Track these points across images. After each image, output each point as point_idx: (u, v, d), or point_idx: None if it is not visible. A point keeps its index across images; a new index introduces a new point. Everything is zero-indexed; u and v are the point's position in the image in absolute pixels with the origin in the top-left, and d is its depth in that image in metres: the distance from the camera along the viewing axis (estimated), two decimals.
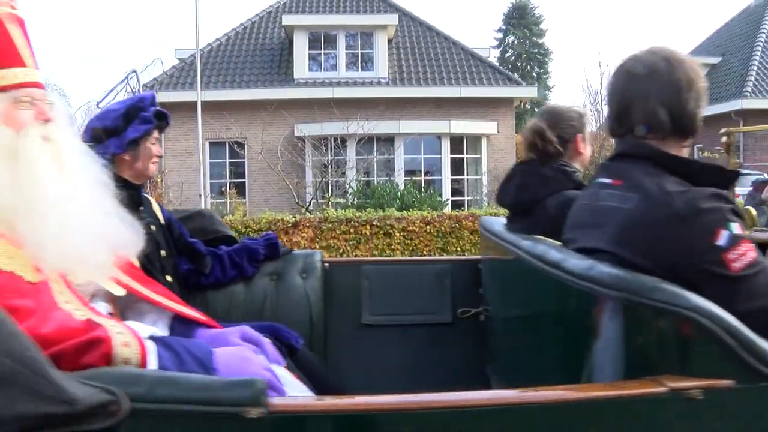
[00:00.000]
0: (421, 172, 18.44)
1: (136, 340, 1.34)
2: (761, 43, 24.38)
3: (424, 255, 9.60)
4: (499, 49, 44.63)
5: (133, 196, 2.19)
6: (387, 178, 16.68)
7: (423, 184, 17.23)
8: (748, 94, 22.25)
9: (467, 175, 18.83)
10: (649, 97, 1.67)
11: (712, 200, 1.54)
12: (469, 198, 18.89)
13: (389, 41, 19.90)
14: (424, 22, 21.55)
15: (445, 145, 18.45)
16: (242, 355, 1.49)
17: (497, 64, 26.95)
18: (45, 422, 0.97)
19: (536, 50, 44.65)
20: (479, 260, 2.94)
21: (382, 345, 2.80)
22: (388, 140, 17.88)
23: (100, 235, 1.46)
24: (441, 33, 21.15)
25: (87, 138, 2.13)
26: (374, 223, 10.18)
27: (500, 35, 45.28)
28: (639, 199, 1.60)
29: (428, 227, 10.69)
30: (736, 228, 1.50)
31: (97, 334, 1.27)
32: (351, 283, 2.87)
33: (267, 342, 1.72)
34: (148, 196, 2.50)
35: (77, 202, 1.43)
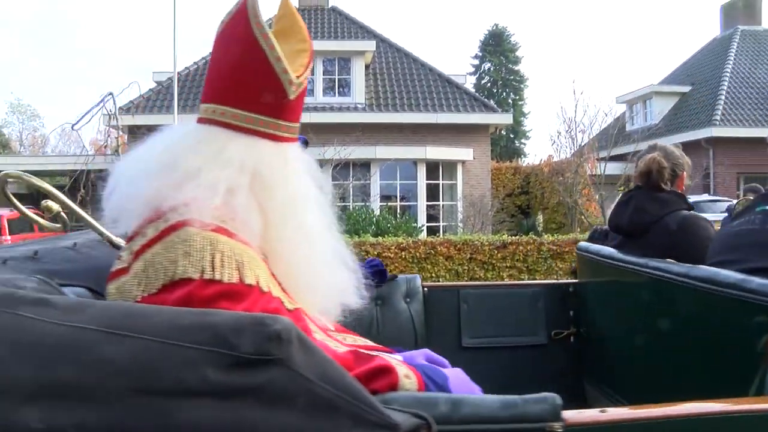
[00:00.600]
0: (396, 197, 18.59)
1: (411, 371, 1.35)
2: (728, 74, 24.96)
3: None
4: (476, 76, 45.14)
5: None
6: (363, 204, 16.76)
7: (398, 210, 17.36)
8: (717, 122, 22.70)
9: (442, 200, 18.99)
10: None
11: None
12: (444, 224, 19.01)
13: (366, 67, 20.10)
14: (401, 48, 21.81)
15: (421, 170, 18.61)
16: (461, 377, 1.50)
17: (473, 90, 27.26)
18: None
19: (512, 77, 45.21)
20: (570, 284, 3.11)
21: (481, 366, 2.85)
22: (364, 166, 17.98)
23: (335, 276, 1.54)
24: (418, 59, 21.39)
25: None
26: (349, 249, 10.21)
27: (477, 62, 45.84)
28: None
29: (403, 253, 10.76)
30: None
31: (385, 363, 1.29)
32: (450, 307, 2.96)
33: (446, 362, 1.67)
34: None
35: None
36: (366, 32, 21.78)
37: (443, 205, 18.89)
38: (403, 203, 18.42)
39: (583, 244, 3.16)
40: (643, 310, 2.45)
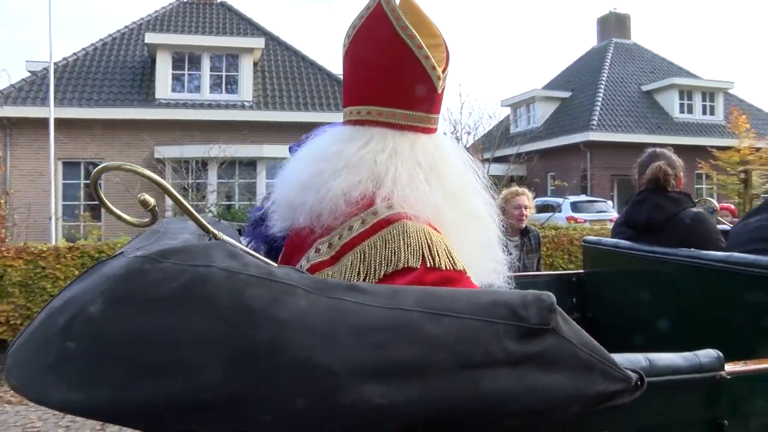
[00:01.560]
0: None
1: None
2: (604, 82, 26.31)
3: None
4: None
5: None
6: (249, 203, 16.53)
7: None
8: (594, 127, 23.87)
9: None
10: None
11: None
12: None
13: (255, 64, 19.84)
14: (291, 46, 21.63)
15: None
16: None
17: None
18: (608, 399, 1.12)
19: None
20: (575, 274, 3.48)
21: None
22: (251, 164, 17.76)
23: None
24: (307, 58, 21.28)
25: None
26: None
27: None
28: None
29: None
30: None
31: None
32: None
33: None
34: None
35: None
36: (255, 29, 21.49)
37: None
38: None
39: (589, 238, 3.52)
40: (666, 294, 2.79)
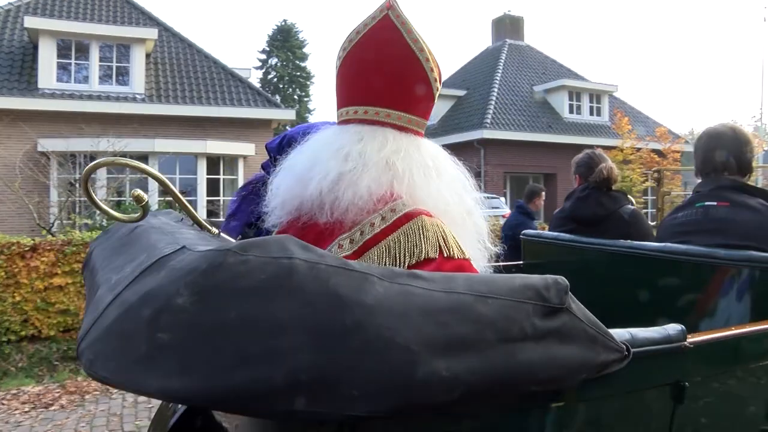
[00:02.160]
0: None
1: None
2: (497, 81, 27.01)
3: None
4: (262, 71, 44.84)
5: None
6: None
7: (178, 205, 16.75)
8: (488, 125, 24.46)
9: (223, 196, 18.57)
10: (730, 152, 2.74)
11: None
12: (223, 219, 18.52)
13: (147, 56, 19.15)
14: (185, 38, 21.02)
15: (202, 165, 18.04)
16: None
17: (259, 85, 27.03)
18: (607, 367, 1.31)
19: (299, 73, 45.46)
20: (515, 265, 3.58)
21: None
22: (142, 158, 17.14)
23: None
24: (202, 51, 20.76)
25: None
26: None
27: (264, 56, 45.55)
28: (754, 214, 2.54)
29: None
30: None
31: None
32: None
33: None
34: None
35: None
36: (148, 19, 20.73)
37: (224, 200, 18.47)
38: (182, 198, 17.76)
39: (528, 231, 3.76)
40: (605, 281, 2.99)
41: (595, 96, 28.31)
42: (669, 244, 2.70)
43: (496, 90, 26.51)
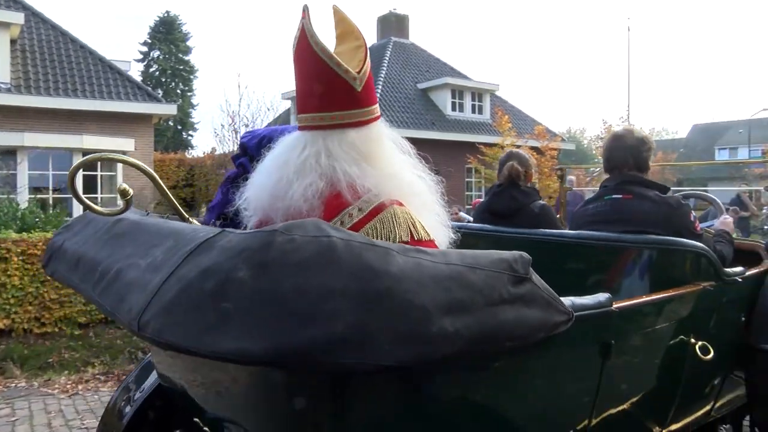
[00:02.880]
0: (49, 189, 16.98)
1: None
2: (382, 78, 27.24)
3: (49, 279, 8.85)
4: (144, 63, 43.31)
5: None
6: (7, 196, 15.08)
7: (51, 203, 15.94)
8: None
9: (101, 193, 17.79)
10: (629, 152, 3.20)
11: (682, 200, 3.11)
12: None
13: (13, 42, 17.86)
14: (57, 25, 19.76)
15: (77, 161, 17.09)
16: None
17: (141, 78, 26.06)
18: (558, 327, 1.61)
19: (182, 67, 44.18)
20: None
21: None
22: (10, 153, 16.17)
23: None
24: (77, 40, 19.63)
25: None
26: None
27: (146, 49, 44.00)
28: (651, 204, 3.02)
29: None
30: (693, 213, 3.07)
31: None
32: None
33: None
34: None
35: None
36: (13, 2, 19.33)
37: (102, 197, 17.68)
38: (56, 195, 16.86)
39: (453, 223, 3.92)
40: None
41: (478, 94, 29.06)
42: (583, 232, 3.11)
43: (380, 87, 26.72)
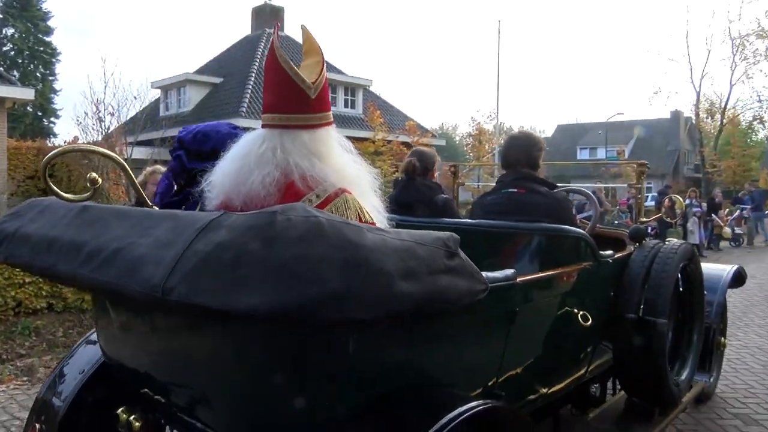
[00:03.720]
0: None
1: None
2: (255, 70, 26.84)
3: None
4: None
5: None
6: None
7: None
8: (244, 114, 24.23)
9: None
10: (522, 151, 3.66)
11: (566, 195, 3.69)
12: None
13: None
14: None
15: None
16: None
17: None
18: (477, 295, 1.98)
19: (42, 48, 41.30)
20: None
21: None
22: None
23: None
24: None
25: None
26: None
27: None
28: (542, 198, 3.47)
29: None
30: (595, 204, 4.29)
31: None
32: None
33: None
34: None
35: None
36: None
37: None
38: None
39: None
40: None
41: (351, 89, 29.23)
42: (483, 221, 3.57)
43: (253, 78, 26.32)
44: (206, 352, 2.01)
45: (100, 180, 2.17)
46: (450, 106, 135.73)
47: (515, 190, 3.57)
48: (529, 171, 3.62)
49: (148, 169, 5.63)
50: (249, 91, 25.48)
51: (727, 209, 22.67)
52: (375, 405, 2.02)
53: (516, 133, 4.12)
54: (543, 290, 2.98)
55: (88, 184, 2.20)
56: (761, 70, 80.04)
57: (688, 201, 16.39)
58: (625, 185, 21.39)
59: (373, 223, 2.08)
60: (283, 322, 1.59)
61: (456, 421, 1.95)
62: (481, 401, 2.12)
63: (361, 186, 2.23)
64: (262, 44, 28.95)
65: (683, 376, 4.07)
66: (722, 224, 19.73)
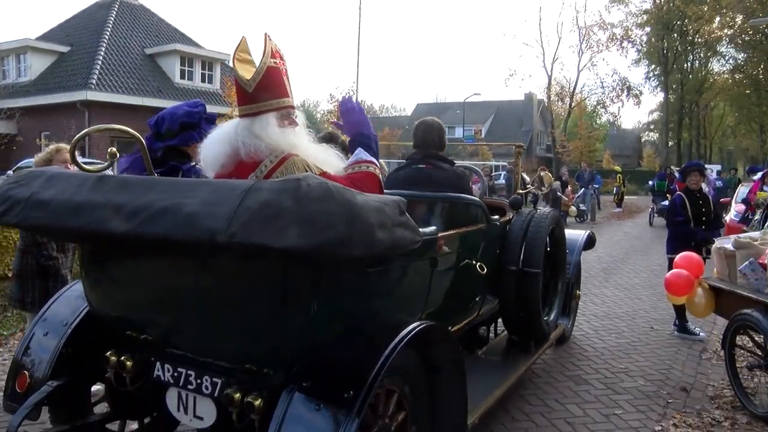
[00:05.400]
0: None
1: (373, 163, 3.11)
2: (106, 40, 25.41)
3: None
4: None
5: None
6: None
7: None
8: (93, 86, 22.92)
9: None
10: (433, 135, 4.44)
11: (464, 170, 4.89)
12: None
13: None
14: None
15: None
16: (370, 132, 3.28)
17: None
18: (416, 244, 2.55)
19: None
20: None
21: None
22: None
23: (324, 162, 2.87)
24: None
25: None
26: None
27: None
28: (445, 172, 4.24)
29: None
30: (483, 178, 6.29)
31: (372, 172, 3.01)
32: None
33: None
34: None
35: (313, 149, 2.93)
36: None
37: None
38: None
39: None
40: None
41: (208, 63, 28.37)
42: (399, 191, 3.90)
43: (103, 49, 24.89)
44: (222, 288, 2.59)
45: (117, 154, 2.83)
46: (311, 82, 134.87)
47: (423, 165, 4.36)
48: (435, 151, 4.44)
49: (52, 147, 5.26)
50: (99, 63, 24.08)
51: (573, 188, 23.94)
52: (349, 327, 2.73)
53: (428, 119, 4.64)
54: (454, 243, 3.86)
55: (107, 157, 2.80)
56: (604, 59, 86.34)
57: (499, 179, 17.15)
58: (482, 164, 22.70)
59: (324, 173, 2.65)
60: (308, 256, 2.22)
61: (410, 335, 2.69)
62: (423, 321, 2.95)
63: (301, 148, 2.83)
64: (114, 13, 27.43)
65: (551, 317, 5.28)
66: (568, 203, 20.59)
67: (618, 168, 34.04)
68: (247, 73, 2.75)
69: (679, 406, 5.04)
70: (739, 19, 35.47)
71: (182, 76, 27.09)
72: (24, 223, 2.69)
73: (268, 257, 2.31)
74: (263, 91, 2.76)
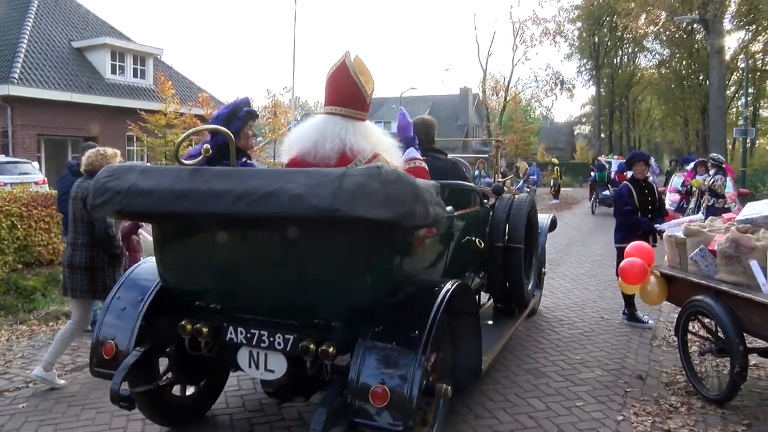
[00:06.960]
0: None
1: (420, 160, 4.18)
2: (28, 32, 24.34)
3: None
4: None
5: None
6: None
7: None
8: (16, 81, 21.92)
9: None
10: (425, 131, 5.24)
11: (458, 160, 5.76)
12: None
13: None
14: None
15: None
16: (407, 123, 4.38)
17: None
18: (444, 219, 3.67)
19: None
20: None
21: None
22: None
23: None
24: None
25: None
26: None
27: None
28: (442, 162, 5.19)
29: None
30: (469, 168, 6.74)
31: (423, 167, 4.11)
32: None
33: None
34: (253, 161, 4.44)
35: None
36: None
37: None
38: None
39: None
40: None
41: (140, 58, 27.49)
42: None
43: (25, 42, 23.82)
44: (300, 256, 3.24)
45: (210, 150, 3.36)
46: (245, 78, 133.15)
47: (425, 158, 4.72)
48: (430, 145, 5.23)
49: (95, 153, 5.50)
50: (21, 57, 22.97)
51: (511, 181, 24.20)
52: (399, 282, 3.50)
53: (426, 117, 5.44)
54: (462, 221, 4.83)
55: (203, 152, 3.33)
56: (537, 54, 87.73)
57: (477, 172, 17.25)
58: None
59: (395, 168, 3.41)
60: (388, 225, 2.91)
61: (453, 287, 3.47)
62: (456, 279, 3.69)
63: (385, 150, 3.65)
64: (36, 4, 26.22)
65: (530, 287, 6.20)
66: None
67: (555, 160, 34.54)
68: (368, 86, 3.67)
69: (637, 395, 5.11)
70: (663, 15, 36.36)
71: (113, 71, 26.11)
72: (127, 209, 3.22)
73: (351, 227, 3.02)
74: (368, 106, 3.74)
